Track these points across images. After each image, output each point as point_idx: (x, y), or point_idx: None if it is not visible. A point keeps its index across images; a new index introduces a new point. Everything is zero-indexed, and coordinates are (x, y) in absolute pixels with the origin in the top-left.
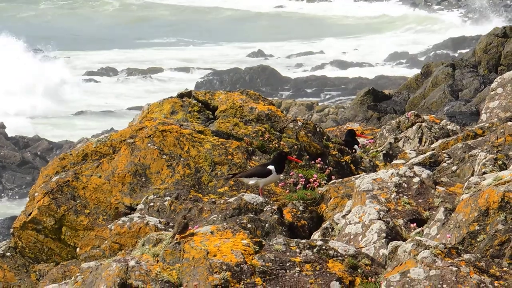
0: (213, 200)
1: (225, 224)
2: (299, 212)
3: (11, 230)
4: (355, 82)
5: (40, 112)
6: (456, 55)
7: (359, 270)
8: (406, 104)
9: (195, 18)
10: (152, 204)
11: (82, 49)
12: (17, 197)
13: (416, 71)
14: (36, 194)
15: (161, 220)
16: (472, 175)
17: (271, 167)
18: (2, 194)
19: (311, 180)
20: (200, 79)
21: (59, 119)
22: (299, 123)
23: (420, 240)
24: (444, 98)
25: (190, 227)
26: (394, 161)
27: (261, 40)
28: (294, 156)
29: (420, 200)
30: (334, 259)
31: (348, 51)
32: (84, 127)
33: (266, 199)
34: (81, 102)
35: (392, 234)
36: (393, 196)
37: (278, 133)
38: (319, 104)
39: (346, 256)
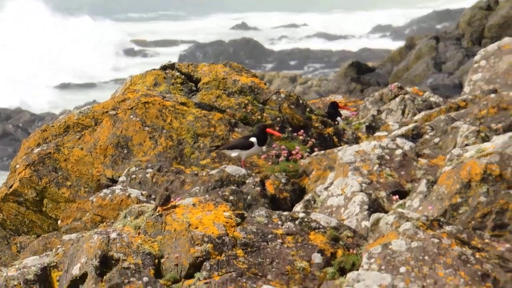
0: (195, 172)
1: (207, 196)
2: (281, 184)
3: None
4: (339, 54)
5: (23, 83)
6: (440, 27)
7: (341, 242)
8: (389, 76)
9: None
10: (134, 176)
11: None
12: None
13: (400, 44)
14: (17, 166)
15: (143, 192)
16: (455, 147)
17: (253, 139)
18: None
19: (293, 152)
20: (183, 52)
21: (40, 90)
22: (282, 95)
23: (402, 212)
24: (427, 70)
25: (172, 199)
26: (377, 133)
27: (245, 10)
28: (277, 129)
29: (402, 172)
30: (316, 231)
31: (332, 24)
32: (67, 99)
33: (249, 171)
34: (65, 73)
35: (374, 206)
36: (375, 168)
37: (261, 105)
38: (302, 76)
39: (328, 228)
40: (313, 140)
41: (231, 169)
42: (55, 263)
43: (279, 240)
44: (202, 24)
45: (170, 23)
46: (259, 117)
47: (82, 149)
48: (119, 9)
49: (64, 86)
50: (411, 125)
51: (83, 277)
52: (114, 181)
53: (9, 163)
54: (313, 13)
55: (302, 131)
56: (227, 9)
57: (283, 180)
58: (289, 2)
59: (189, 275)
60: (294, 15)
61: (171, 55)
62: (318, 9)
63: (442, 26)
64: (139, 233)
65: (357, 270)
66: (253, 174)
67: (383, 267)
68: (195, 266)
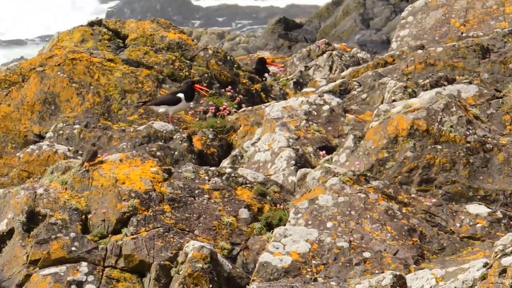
0: (123, 128)
1: (134, 152)
2: (208, 140)
3: None
4: (267, 11)
5: None
6: None
7: (267, 197)
8: (317, 33)
9: None
10: (61, 132)
11: None
12: None
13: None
14: None
15: (70, 148)
16: (382, 103)
17: (180, 95)
18: None
19: (221, 108)
20: (111, 8)
21: None
22: (210, 52)
23: (329, 167)
24: (355, 26)
25: (99, 155)
26: (304, 89)
27: None
28: (204, 85)
29: (329, 128)
30: (243, 186)
31: None
32: None
33: (176, 127)
34: None
35: (301, 162)
36: (303, 123)
37: (188, 61)
38: (230, 33)
39: (255, 184)
40: (241, 96)
41: (158, 125)
42: None
43: (206, 196)
44: None
45: None
46: (187, 73)
47: (9, 105)
48: None
49: None
50: (338, 81)
51: (10, 232)
52: (41, 137)
53: None
54: None
55: (229, 87)
56: None
57: (211, 136)
58: None
59: (117, 231)
60: None
61: (98, 10)
62: None
63: None
64: (66, 189)
65: (284, 225)
66: (181, 130)
67: (310, 222)
68: (122, 222)
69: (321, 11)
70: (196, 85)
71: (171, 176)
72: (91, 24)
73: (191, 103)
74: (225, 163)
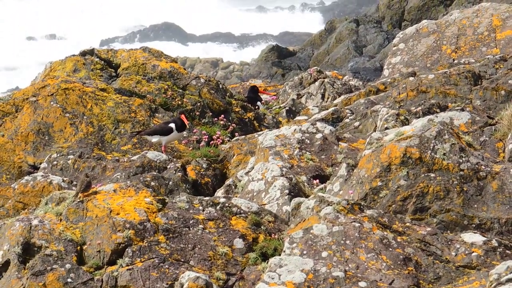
0: (117, 158)
1: (128, 182)
2: (202, 170)
3: None
4: (260, 38)
5: None
6: (361, 10)
7: (262, 227)
8: (310, 60)
9: None
10: (55, 162)
11: None
12: None
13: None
14: None
15: (65, 178)
16: (375, 130)
17: (172, 125)
18: None
19: (214, 137)
20: (104, 38)
21: None
22: (202, 80)
23: (323, 196)
24: (348, 54)
25: (93, 186)
26: (297, 118)
27: None
28: (197, 114)
29: (323, 156)
30: (238, 216)
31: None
32: None
33: (170, 157)
34: None
35: (295, 191)
36: (296, 152)
37: (181, 90)
38: (224, 61)
39: (249, 213)
40: (234, 125)
41: (152, 154)
42: None
43: (201, 226)
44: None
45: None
46: (180, 102)
47: (3, 136)
48: None
49: None
50: (331, 109)
51: (6, 264)
52: (35, 168)
53: None
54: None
55: (222, 116)
56: None
57: (204, 165)
58: None
59: (112, 262)
60: None
61: (92, 40)
62: None
63: (362, 9)
64: (60, 220)
65: (279, 255)
66: (174, 160)
67: (305, 252)
68: (118, 253)
69: (314, 39)
70: (182, 115)
71: (166, 207)
72: (83, 53)
73: (184, 132)
74: (219, 192)
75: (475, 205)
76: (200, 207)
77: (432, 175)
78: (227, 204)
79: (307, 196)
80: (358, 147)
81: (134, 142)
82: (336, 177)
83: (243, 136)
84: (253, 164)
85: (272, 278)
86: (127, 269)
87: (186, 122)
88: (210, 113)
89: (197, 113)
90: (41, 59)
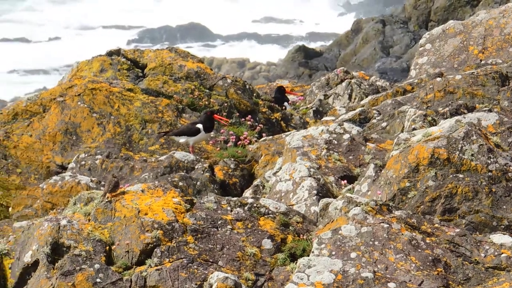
0: (144, 158)
1: (156, 182)
2: (230, 170)
3: None
4: (286, 39)
5: None
6: (387, 10)
7: (290, 228)
8: (337, 61)
9: None
10: (83, 162)
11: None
12: None
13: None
14: None
15: (93, 178)
16: (402, 131)
17: (199, 125)
18: None
19: (241, 137)
20: (131, 37)
21: None
22: (229, 81)
23: (351, 197)
24: (375, 54)
25: (121, 186)
26: (324, 118)
27: None
28: (224, 115)
29: (350, 157)
30: (266, 216)
31: (278, 8)
32: (17, 86)
33: (197, 157)
34: (13, 60)
35: (323, 191)
36: (323, 153)
37: (207, 90)
38: (251, 61)
39: (277, 214)
40: (261, 125)
41: (180, 155)
42: (6, 251)
43: (229, 226)
44: (149, 6)
45: (118, 5)
46: (206, 102)
47: (31, 136)
48: None
49: (14, 72)
50: (358, 110)
51: (35, 264)
52: (64, 168)
53: None
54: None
55: (249, 116)
56: None
57: (232, 166)
58: None
59: (141, 262)
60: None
61: (119, 39)
62: None
63: (389, 10)
64: (89, 220)
65: (308, 255)
66: (202, 160)
67: (333, 253)
68: (146, 253)
69: (341, 39)
70: (215, 115)
71: (194, 207)
72: (110, 53)
73: (212, 133)
74: (247, 193)
75: (504, 206)
76: (228, 208)
77: (461, 176)
78: (255, 205)
79: (335, 197)
80: (386, 147)
81: (161, 142)
82: (364, 177)
83: (271, 137)
84: (280, 165)
85: (301, 279)
86: (156, 269)
87: (224, 119)
88: (237, 114)
89: (224, 114)
90: (67, 60)
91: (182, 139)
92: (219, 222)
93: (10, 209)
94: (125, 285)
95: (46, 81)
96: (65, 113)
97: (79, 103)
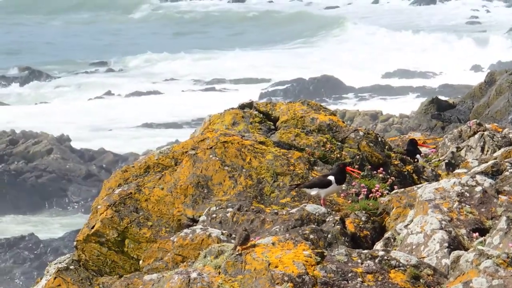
0: (275, 211)
1: (286, 235)
2: (361, 223)
3: (74, 243)
4: (419, 91)
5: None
6: None
7: (421, 281)
8: (470, 113)
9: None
10: (214, 215)
11: (149, 61)
12: (82, 210)
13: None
14: (99, 206)
15: (223, 231)
16: None
17: (331, 177)
18: (68, 207)
19: (373, 190)
20: (263, 90)
21: (123, 130)
22: (361, 133)
23: (483, 249)
24: (508, 106)
25: (251, 239)
26: (456, 170)
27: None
28: (356, 167)
29: (482, 209)
30: (396, 269)
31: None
32: (150, 139)
33: (329, 210)
34: (146, 113)
35: (454, 244)
36: (455, 205)
37: (339, 143)
38: (384, 113)
39: (408, 266)
40: (393, 178)
41: (311, 207)
42: None
43: (359, 279)
44: (278, 58)
45: (248, 56)
46: (338, 155)
47: (162, 189)
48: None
49: (146, 126)
50: (490, 162)
51: None
52: (194, 221)
53: None
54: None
55: (381, 169)
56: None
57: (363, 218)
58: None
59: None
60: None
61: (251, 92)
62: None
63: None
64: (219, 273)
65: None
66: (333, 213)
67: None
68: None
69: (474, 91)
70: (348, 167)
71: (324, 259)
72: (242, 106)
73: (343, 185)
74: (378, 245)
75: None
76: (359, 260)
77: None
78: (386, 257)
79: (466, 249)
80: None
81: (292, 195)
82: (496, 230)
83: (402, 189)
84: (412, 217)
85: None
86: None
87: (356, 172)
88: (369, 166)
89: (356, 166)
90: (199, 113)
91: (313, 192)
92: (349, 275)
93: (140, 262)
94: None
95: (178, 134)
96: (197, 166)
97: (211, 156)
